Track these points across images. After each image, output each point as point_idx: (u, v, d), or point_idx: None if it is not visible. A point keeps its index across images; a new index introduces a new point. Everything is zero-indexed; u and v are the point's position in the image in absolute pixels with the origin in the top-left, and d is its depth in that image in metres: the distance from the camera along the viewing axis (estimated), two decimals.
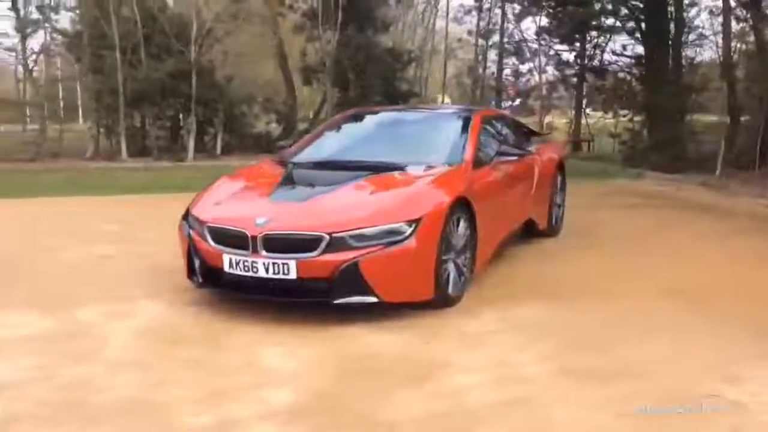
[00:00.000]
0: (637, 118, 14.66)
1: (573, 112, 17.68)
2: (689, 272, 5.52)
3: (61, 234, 7.09)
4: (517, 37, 20.00)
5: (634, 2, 14.27)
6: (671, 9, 13.75)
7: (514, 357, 3.71)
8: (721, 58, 13.39)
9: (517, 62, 20.48)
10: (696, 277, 5.37)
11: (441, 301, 4.44)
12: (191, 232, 4.57)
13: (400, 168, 4.98)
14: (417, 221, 4.20)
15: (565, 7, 14.72)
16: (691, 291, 4.97)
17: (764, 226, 7.90)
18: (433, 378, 3.45)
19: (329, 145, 5.76)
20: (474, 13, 21.05)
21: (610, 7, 14.68)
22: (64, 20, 17.60)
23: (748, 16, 12.68)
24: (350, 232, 4.10)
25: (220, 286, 4.43)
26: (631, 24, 14.67)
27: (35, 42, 16.15)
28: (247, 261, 4.17)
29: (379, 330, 4.10)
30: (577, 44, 17.12)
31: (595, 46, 16.97)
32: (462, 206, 4.64)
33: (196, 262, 4.50)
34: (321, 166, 5.28)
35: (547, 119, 19.98)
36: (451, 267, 4.53)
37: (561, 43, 17.29)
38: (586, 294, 4.92)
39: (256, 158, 12.43)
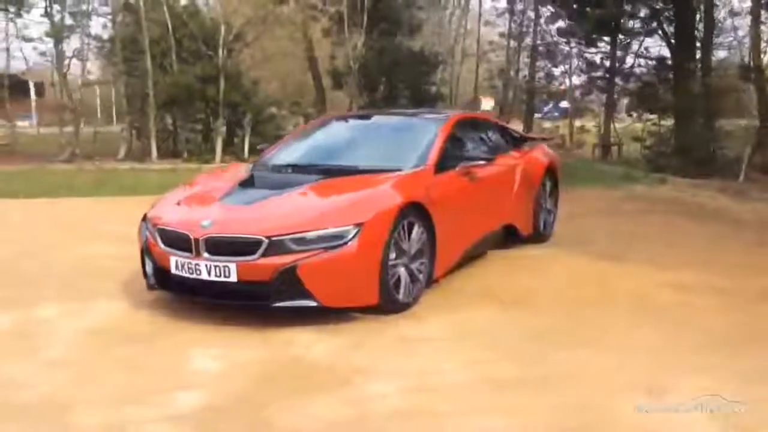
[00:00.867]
0: (663, 122, 14.25)
1: (602, 116, 17.27)
2: (662, 279, 5.33)
3: (63, 234, 7.29)
4: (548, 39, 19.67)
5: (659, 3, 13.87)
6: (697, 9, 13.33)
7: (441, 365, 3.66)
8: (751, 61, 12.91)
9: (549, 64, 20.17)
10: (665, 287, 5.17)
11: (389, 306, 4.41)
12: (147, 233, 4.65)
13: (361, 171, 4.97)
14: (360, 226, 4.18)
15: (583, 8, 14.42)
16: (654, 301, 4.81)
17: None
18: (351, 384, 3.42)
19: (299, 149, 5.78)
20: (507, 15, 20.84)
21: (629, 8, 14.31)
22: (97, 25, 18.12)
23: None
24: (290, 236, 4.10)
25: (168, 288, 4.49)
26: (653, 25, 14.27)
27: (69, 47, 16.58)
28: (190, 263, 4.22)
29: (316, 334, 4.09)
30: (606, 46, 16.74)
31: (621, 48, 16.55)
32: (416, 211, 4.60)
33: (149, 264, 4.57)
34: (283, 170, 5.31)
35: (579, 123, 19.64)
36: (402, 272, 4.49)
37: (586, 45, 16.93)
38: (547, 302, 4.81)
39: None
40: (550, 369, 3.57)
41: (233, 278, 4.12)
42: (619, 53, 16.47)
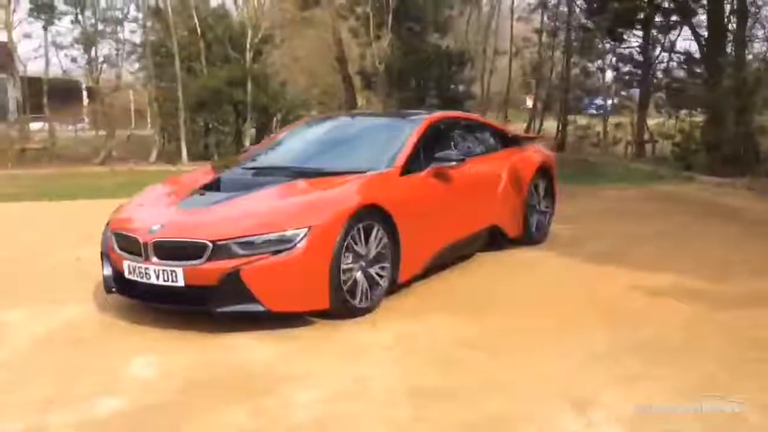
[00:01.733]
0: (693, 119, 13.72)
1: (635, 113, 16.73)
2: (644, 283, 5.10)
3: (62, 235, 7.43)
4: (582, 34, 19.13)
5: None
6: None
7: (374, 372, 3.56)
8: None
9: (584, 60, 19.64)
10: (643, 291, 4.94)
11: (344, 311, 4.33)
12: (107, 237, 4.67)
13: (327, 174, 4.90)
14: (308, 229, 4.11)
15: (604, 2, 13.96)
16: (623, 306, 4.60)
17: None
18: (276, 393, 3.35)
19: (275, 151, 5.75)
20: (539, 10, 20.43)
21: (656, 1, 13.76)
22: (127, 31, 18.51)
23: None
24: (235, 240, 4.06)
25: (123, 292, 4.50)
26: (674, 18, 13.70)
27: (101, 52, 17.00)
28: (141, 267, 4.22)
29: (261, 340, 4.03)
30: (637, 41, 16.21)
31: (650, 42, 15.98)
32: (375, 214, 4.50)
33: (107, 268, 4.59)
34: (252, 172, 5.27)
35: (616, 120, 19.06)
36: (359, 276, 4.40)
37: (613, 39, 16.40)
38: (507, 308, 4.64)
39: None
40: (478, 379, 3.43)
41: (181, 283, 4.10)
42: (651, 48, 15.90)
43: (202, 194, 4.82)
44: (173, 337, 4.12)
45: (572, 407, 3.07)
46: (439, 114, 6.06)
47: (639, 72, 16.49)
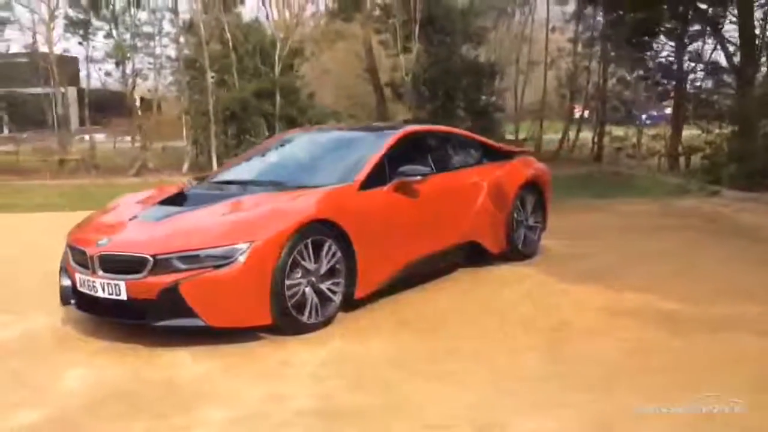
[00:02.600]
0: (722, 131, 13.20)
1: (670, 125, 16.24)
2: (614, 305, 4.89)
3: (56, 245, 7.59)
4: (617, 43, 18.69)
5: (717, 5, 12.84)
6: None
7: (293, 392, 3.50)
8: None
9: (621, 70, 19.18)
10: (607, 312, 4.73)
11: (291, 327, 4.28)
12: (65, 249, 4.74)
13: (287, 188, 4.88)
14: (249, 244, 4.09)
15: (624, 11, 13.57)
16: (578, 328, 4.42)
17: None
18: (187, 412, 3.31)
19: (247, 164, 5.77)
20: (574, 21, 20.05)
21: (679, 10, 13.30)
22: (159, 45, 18.96)
23: None
24: (176, 255, 4.07)
25: (76, 304, 4.54)
26: (697, 27, 13.20)
27: (136, 66, 17.47)
28: (89, 281, 4.27)
29: (197, 356, 4.01)
30: (669, 50, 15.74)
31: (681, 53, 15.47)
32: (328, 228, 4.45)
33: (64, 280, 4.65)
34: (215, 186, 5.30)
35: (652, 131, 18.55)
36: (308, 292, 4.35)
37: (633, 47, 15.92)
38: (457, 328, 4.52)
39: None
40: (391, 400, 3.34)
41: (123, 296, 4.12)
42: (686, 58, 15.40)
43: (160, 208, 4.84)
44: (117, 350, 4.14)
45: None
46: (413, 128, 5.97)
47: (671, 83, 16.00)
